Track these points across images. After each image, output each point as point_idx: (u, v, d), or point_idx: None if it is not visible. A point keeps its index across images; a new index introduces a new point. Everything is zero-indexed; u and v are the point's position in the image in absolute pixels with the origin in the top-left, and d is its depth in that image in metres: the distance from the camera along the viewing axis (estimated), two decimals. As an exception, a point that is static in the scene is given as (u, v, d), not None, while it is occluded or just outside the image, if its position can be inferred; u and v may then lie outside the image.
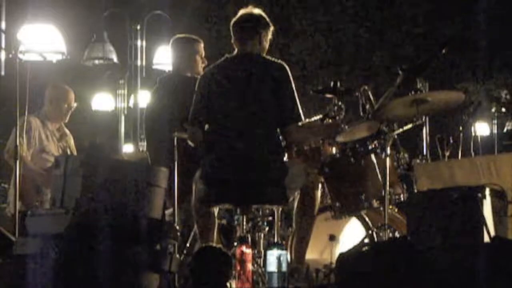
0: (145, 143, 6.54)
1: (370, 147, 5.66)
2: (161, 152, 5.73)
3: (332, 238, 5.50)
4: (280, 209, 5.68)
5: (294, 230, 5.41)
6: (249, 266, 4.84)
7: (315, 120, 5.66)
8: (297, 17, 15.92)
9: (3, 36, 6.57)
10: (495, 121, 10.64)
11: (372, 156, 5.65)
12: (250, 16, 5.41)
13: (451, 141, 7.14)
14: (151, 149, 6.19)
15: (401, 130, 5.66)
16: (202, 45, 6.31)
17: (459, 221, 4.35)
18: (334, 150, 5.86)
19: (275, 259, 4.78)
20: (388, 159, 5.43)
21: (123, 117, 9.81)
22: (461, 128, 7.27)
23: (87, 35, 8.59)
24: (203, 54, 6.29)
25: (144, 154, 7.31)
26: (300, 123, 5.26)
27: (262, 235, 5.39)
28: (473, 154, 8.59)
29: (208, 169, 5.21)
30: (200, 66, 6.24)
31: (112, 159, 4.99)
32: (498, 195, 4.69)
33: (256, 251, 5.21)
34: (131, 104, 9.04)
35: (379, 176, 5.57)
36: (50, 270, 4.09)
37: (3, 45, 6.53)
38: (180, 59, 6.25)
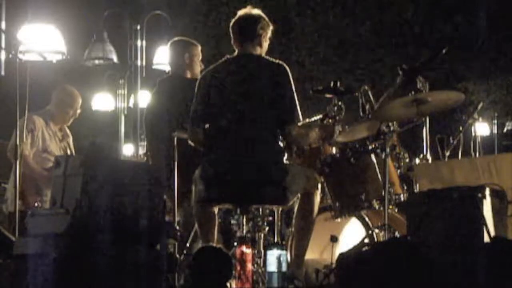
0: (146, 144, 6.56)
1: (370, 147, 5.65)
2: (162, 153, 5.76)
3: (334, 239, 5.48)
4: (280, 209, 5.68)
5: (294, 233, 5.40)
6: (249, 266, 4.84)
7: (314, 120, 5.66)
8: (297, 17, 15.93)
9: (3, 36, 6.56)
10: (495, 121, 10.66)
11: (372, 156, 5.65)
12: (250, 16, 5.41)
13: (451, 141, 7.15)
14: (152, 150, 6.20)
15: (400, 130, 5.66)
16: (199, 48, 6.36)
17: (459, 221, 4.35)
18: (334, 150, 5.86)
19: (275, 259, 4.78)
20: (388, 159, 5.43)
21: (123, 117, 9.80)
22: (461, 128, 7.26)
23: (87, 35, 8.58)
24: (201, 57, 6.33)
25: (143, 159, 7.31)
26: (299, 124, 5.26)
27: (262, 235, 5.39)
28: (473, 154, 8.61)
29: (208, 169, 5.21)
30: (199, 68, 6.28)
31: (112, 159, 4.98)
32: (498, 195, 4.68)
33: (256, 251, 5.21)
34: (131, 104, 9.02)
35: (379, 176, 5.57)
36: (50, 270, 4.09)
37: (3, 45, 6.53)
38: (179, 61, 6.29)
